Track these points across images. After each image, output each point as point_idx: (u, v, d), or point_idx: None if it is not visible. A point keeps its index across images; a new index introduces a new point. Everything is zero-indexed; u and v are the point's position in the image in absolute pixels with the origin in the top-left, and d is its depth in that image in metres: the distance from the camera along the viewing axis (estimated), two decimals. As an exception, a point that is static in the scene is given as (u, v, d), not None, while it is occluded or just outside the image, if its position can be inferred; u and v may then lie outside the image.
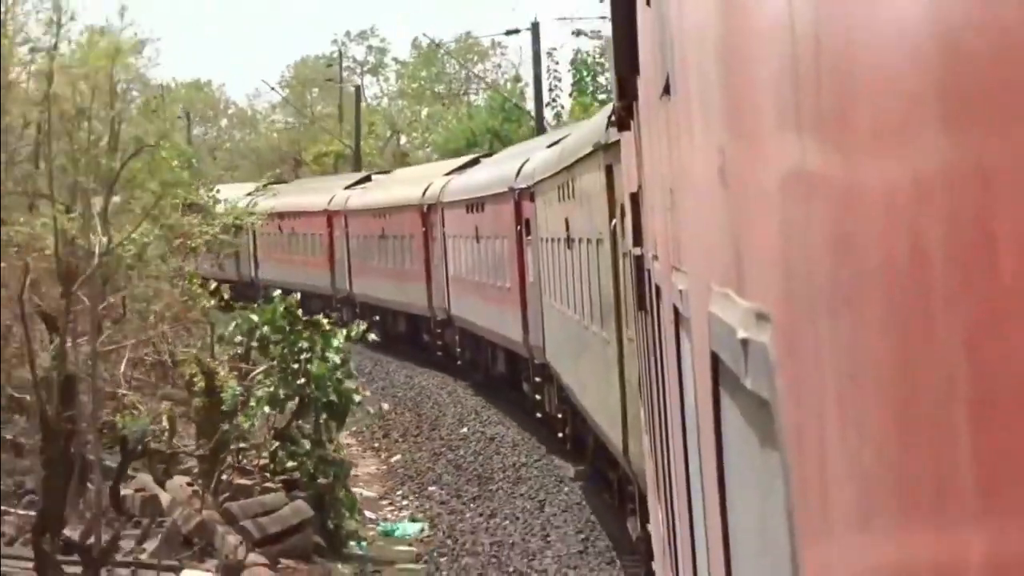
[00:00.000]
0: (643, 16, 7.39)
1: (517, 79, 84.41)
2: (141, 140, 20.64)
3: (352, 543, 21.14)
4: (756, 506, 3.09)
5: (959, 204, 1.26)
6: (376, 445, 30.95)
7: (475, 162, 42.16)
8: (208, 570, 17.65)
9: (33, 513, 18.24)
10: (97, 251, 18.32)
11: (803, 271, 2.07)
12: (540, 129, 51.59)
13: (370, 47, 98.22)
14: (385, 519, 23.61)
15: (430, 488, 25.94)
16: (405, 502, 25.30)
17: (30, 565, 17.13)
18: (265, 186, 58.43)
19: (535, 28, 55.09)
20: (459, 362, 39.14)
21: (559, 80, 68.07)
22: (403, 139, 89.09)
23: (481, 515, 23.51)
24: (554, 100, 66.82)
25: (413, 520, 23.40)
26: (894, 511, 1.59)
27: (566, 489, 24.76)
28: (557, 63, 69.03)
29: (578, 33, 62.37)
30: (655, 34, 6.16)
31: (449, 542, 21.85)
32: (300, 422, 21.41)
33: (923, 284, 1.39)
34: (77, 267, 18.39)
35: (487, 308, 34.23)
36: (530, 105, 63.03)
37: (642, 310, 10.71)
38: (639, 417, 14.26)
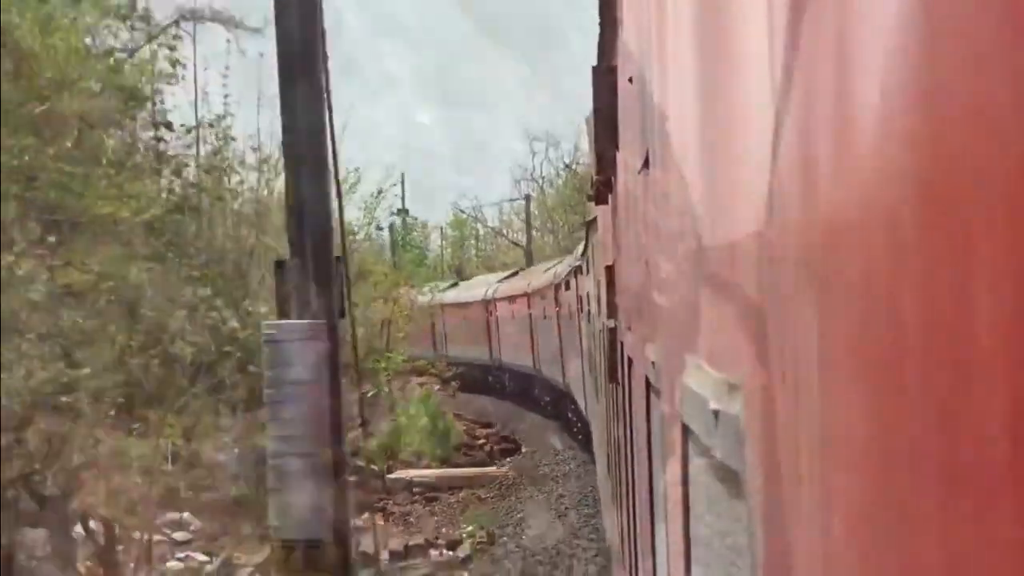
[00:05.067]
0: (624, 93, 7.46)
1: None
2: None
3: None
4: (723, 577, 3.10)
5: (934, 277, 1.28)
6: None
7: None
8: None
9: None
10: None
11: (775, 343, 2.10)
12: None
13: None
14: None
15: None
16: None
17: None
18: (515, 273, 64.78)
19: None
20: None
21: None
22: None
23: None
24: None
25: None
26: None
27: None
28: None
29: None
30: (636, 110, 6.22)
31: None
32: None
33: (896, 356, 1.41)
34: None
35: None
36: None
37: (613, 382, 10.69)
38: None
